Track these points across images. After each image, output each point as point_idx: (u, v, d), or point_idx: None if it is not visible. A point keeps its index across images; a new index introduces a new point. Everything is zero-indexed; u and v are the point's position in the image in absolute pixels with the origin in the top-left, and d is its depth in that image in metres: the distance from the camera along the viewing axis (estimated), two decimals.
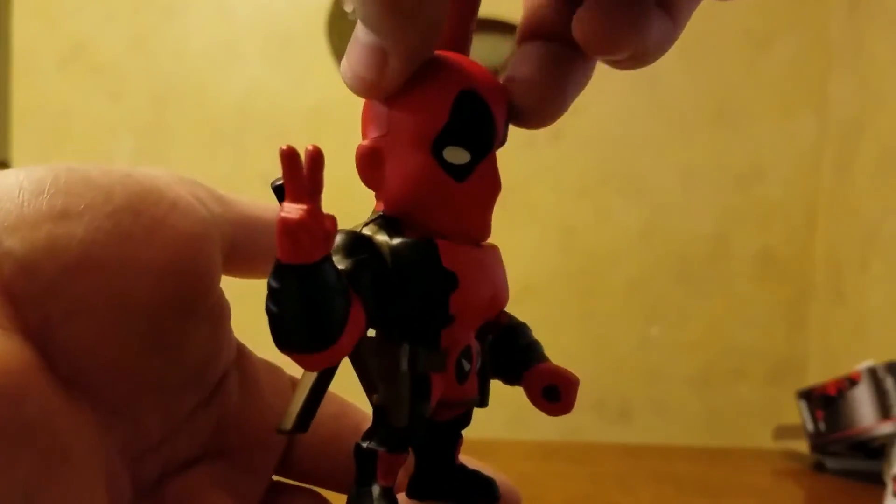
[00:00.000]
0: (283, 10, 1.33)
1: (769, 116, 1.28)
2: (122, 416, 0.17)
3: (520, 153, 1.25)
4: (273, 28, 1.33)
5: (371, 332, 0.18)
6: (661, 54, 0.17)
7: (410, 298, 0.17)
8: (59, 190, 0.16)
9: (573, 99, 0.19)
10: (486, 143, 0.18)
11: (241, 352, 0.21)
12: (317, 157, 0.15)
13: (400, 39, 0.16)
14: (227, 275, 0.20)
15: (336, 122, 1.40)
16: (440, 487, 0.20)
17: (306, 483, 0.22)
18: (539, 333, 0.22)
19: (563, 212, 1.27)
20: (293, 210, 0.14)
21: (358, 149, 0.18)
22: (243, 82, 1.33)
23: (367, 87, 0.17)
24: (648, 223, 1.29)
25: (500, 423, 1.35)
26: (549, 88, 0.18)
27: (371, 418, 0.19)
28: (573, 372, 0.21)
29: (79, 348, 0.16)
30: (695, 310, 1.29)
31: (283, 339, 0.15)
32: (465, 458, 0.21)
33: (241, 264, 0.20)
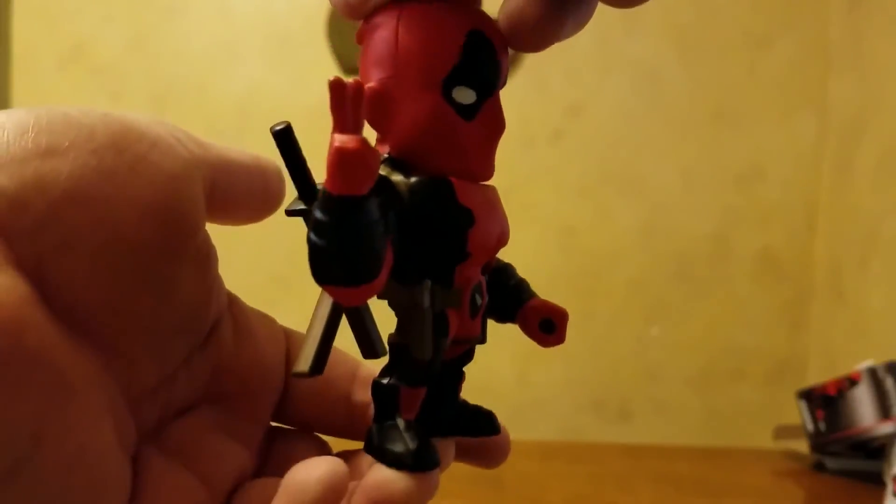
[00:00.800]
0: (283, 10, 1.33)
1: (769, 116, 1.28)
2: (120, 357, 0.17)
3: (520, 153, 1.25)
4: (273, 28, 1.33)
5: None
6: None
7: (430, 236, 0.17)
8: (43, 129, 0.16)
9: (569, 24, 0.18)
10: (491, 82, 0.18)
11: (233, 300, 0.22)
12: (359, 92, 0.15)
13: None
14: (210, 221, 0.20)
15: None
16: (446, 423, 0.20)
17: (299, 428, 0.23)
18: None
19: (563, 212, 1.27)
20: (349, 140, 0.14)
21: (367, 90, 0.17)
22: (243, 82, 1.33)
23: (352, 7, 0.18)
24: (648, 223, 1.29)
25: (500, 423, 1.35)
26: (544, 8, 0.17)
27: (361, 364, 0.20)
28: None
29: (72, 283, 0.16)
30: (695, 310, 1.29)
31: (326, 272, 0.15)
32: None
33: (220, 207, 0.20)
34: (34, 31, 1.34)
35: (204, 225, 0.19)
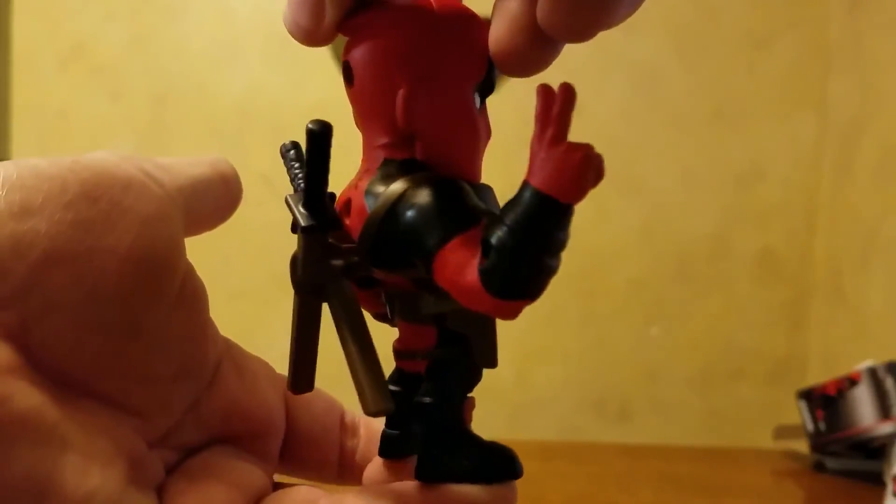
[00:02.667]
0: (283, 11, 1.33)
1: (769, 116, 1.28)
2: (125, 409, 0.17)
3: (520, 153, 1.25)
4: (273, 28, 1.33)
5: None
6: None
7: None
8: (14, 185, 0.16)
9: (560, 46, 0.18)
10: (492, 89, 0.19)
11: (230, 343, 0.22)
12: (572, 95, 0.15)
13: None
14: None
15: (336, 121, 1.39)
16: (458, 463, 0.19)
17: (293, 476, 0.23)
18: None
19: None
20: (588, 147, 0.14)
21: (400, 94, 0.18)
22: (243, 82, 1.33)
23: (306, 34, 0.18)
24: (648, 223, 1.29)
25: (501, 423, 1.35)
26: (530, 34, 0.17)
27: (344, 409, 0.21)
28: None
29: (61, 344, 0.16)
30: (695, 310, 1.29)
31: (538, 287, 0.15)
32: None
33: (194, 226, 0.20)
34: (34, 31, 1.34)
35: (184, 262, 0.19)
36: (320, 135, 0.17)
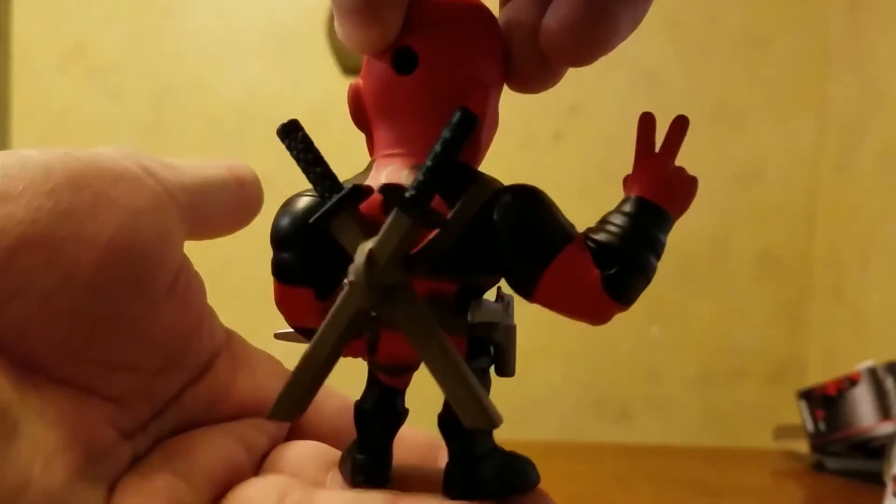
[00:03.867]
0: (283, 10, 1.33)
1: (769, 116, 1.28)
2: (99, 395, 0.17)
3: (520, 153, 1.25)
4: (273, 28, 1.33)
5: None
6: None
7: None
8: None
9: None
10: None
11: (232, 336, 0.22)
12: (685, 126, 0.18)
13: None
14: (193, 239, 0.20)
15: (336, 121, 1.40)
16: (486, 476, 0.18)
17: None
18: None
19: (563, 211, 1.27)
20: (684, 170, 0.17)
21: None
22: (243, 82, 1.33)
23: (373, 40, 0.18)
24: None
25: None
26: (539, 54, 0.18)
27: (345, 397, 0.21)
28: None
29: (27, 328, 0.16)
30: (695, 310, 1.29)
31: (641, 288, 0.17)
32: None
33: (204, 227, 0.20)
34: (34, 30, 1.34)
35: (177, 257, 0.19)
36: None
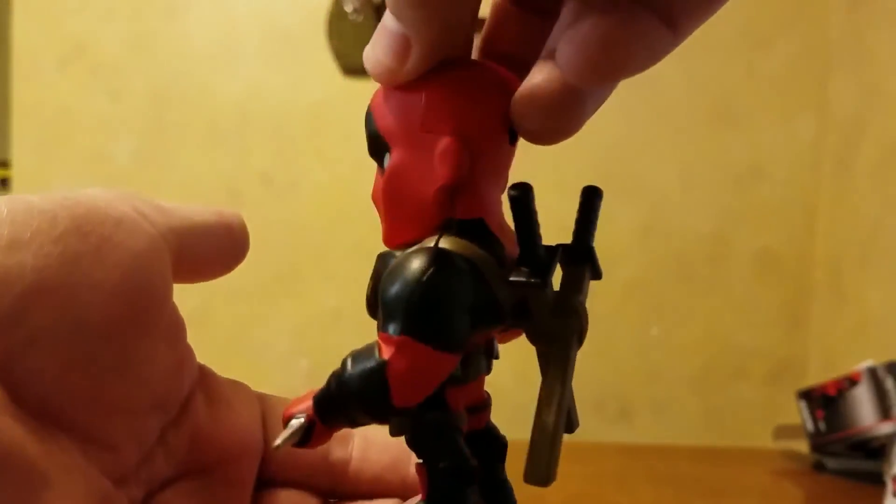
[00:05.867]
0: (283, 10, 1.33)
1: (769, 116, 1.28)
2: (98, 442, 0.17)
3: (519, 153, 1.25)
4: (273, 28, 1.33)
5: None
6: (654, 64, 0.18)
7: None
8: (4, 220, 0.16)
9: (582, 111, 0.19)
10: None
11: (204, 370, 0.21)
12: None
13: (423, 31, 0.16)
14: (178, 282, 0.20)
15: (336, 122, 1.40)
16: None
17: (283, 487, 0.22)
18: None
19: (562, 212, 1.26)
20: None
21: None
22: (243, 82, 1.33)
23: (387, 73, 0.17)
24: (648, 223, 1.29)
25: (501, 423, 1.35)
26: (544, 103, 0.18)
27: None
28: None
29: (42, 377, 0.16)
30: (695, 310, 1.29)
31: None
32: None
33: (189, 271, 0.20)
34: (34, 30, 1.34)
35: (171, 298, 0.19)
36: (518, 198, 0.18)
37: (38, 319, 0.16)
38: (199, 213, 0.21)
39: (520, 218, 0.18)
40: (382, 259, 0.18)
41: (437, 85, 0.17)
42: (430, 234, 0.17)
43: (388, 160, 0.18)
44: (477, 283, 0.17)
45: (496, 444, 0.20)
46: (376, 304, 0.17)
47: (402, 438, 0.18)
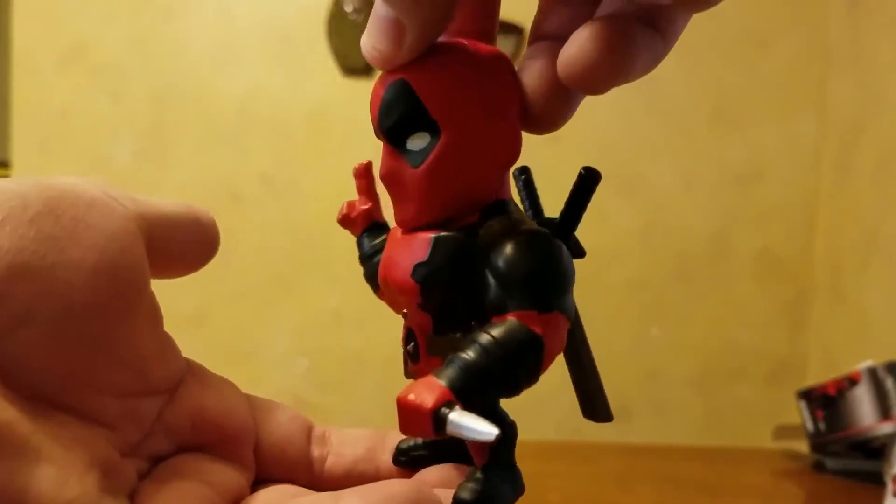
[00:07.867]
0: (283, 11, 1.33)
1: (769, 117, 1.28)
2: (94, 420, 0.17)
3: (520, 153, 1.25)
4: (273, 28, 1.33)
5: None
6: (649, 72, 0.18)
7: None
8: None
9: (580, 100, 0.19)
10: None
11: (191, 363, 0.22)
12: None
13: (414, 12, 0.17)
14: (153, 276, 0.20)
15: (336, 122, 1.40)
16: (506, 491, 0.20)
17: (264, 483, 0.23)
18: None
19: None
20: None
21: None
22: (243, 82, 1.33)
23: (385, 59, 0.18)
24: (648, 223, 1.29)
25: None
26: (554, 91, 0.18)
27: (312, 422, 0.22)
28: None
29: (32, 357, 0.16)
30: (695, 310, 1.29)
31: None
32: None
33: (159, 262, 0.20)
34: (34, 30, 1.34)
35: (149, 280, 0.19)
36: (586, 178, 0.20)
37: (22, 300, 0.16)
38: (169, 204, 0.21)
39: (531, 195, 0.20)
40: (450, 242, 0.18)
41: (494, 69, 0.18)
42: (471, 213, 0.18)
43: (424, 139, 0.18)
44: None
45: None
46: (449, 285, 0.18)
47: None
